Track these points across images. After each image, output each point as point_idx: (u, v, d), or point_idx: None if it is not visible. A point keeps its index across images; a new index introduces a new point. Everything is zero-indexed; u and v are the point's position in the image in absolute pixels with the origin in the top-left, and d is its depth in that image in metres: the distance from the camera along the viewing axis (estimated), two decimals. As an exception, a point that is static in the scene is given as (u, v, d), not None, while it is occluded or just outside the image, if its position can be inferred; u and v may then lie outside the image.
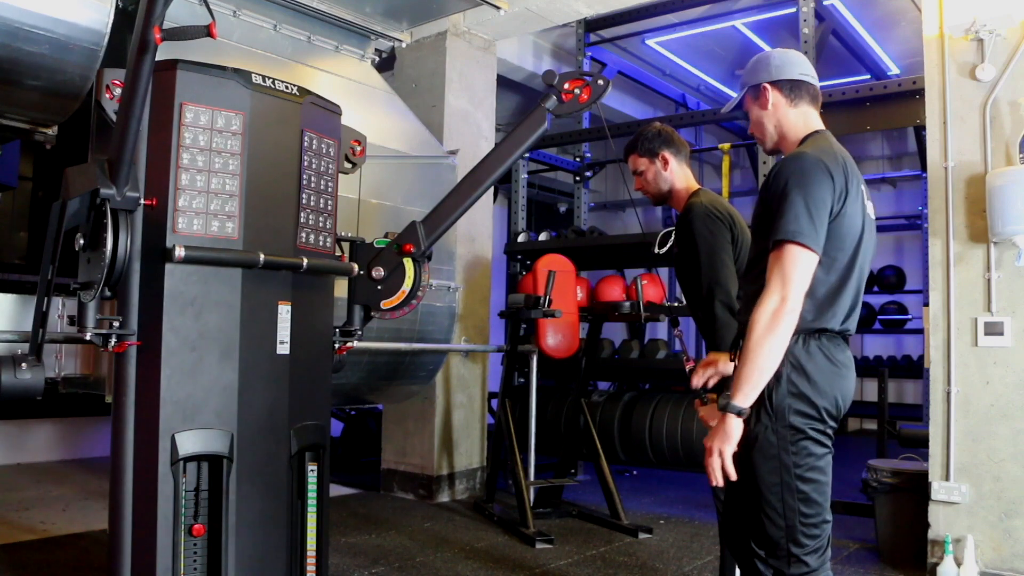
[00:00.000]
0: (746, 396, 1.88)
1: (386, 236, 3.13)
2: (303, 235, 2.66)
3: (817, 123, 2.15)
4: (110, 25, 3.39)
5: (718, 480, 1.93)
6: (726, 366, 2.42)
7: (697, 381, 2.52)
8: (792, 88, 2.14)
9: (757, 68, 2.21)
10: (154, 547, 2.33)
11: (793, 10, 5.16)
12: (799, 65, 2.17)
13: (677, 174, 2.86)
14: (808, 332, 1.95)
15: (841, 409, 2.00)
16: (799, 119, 2.14)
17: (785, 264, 1.86)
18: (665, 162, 2.84)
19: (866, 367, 8.54)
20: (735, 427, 1.89)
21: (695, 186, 2.88)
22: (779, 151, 2.21)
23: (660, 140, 2.85)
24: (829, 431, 1.99)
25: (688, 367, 2.73)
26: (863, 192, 2.05)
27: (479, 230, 5.62)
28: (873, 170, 9.87)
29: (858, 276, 2.02)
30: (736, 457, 1.93)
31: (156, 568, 2.32)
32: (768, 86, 2.15)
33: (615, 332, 8.20)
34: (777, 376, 1.91)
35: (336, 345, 2.97)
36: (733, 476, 1.92)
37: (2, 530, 4.29)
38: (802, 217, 1.87)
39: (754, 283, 2.01)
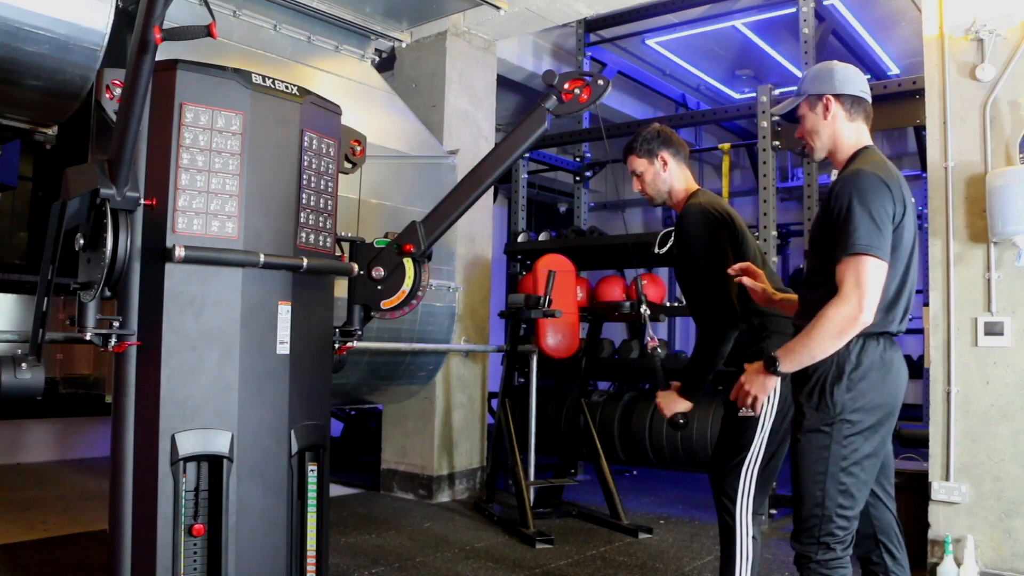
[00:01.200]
0: (792, 367, 2.13)
1: (386, 236, 3.13)
2: (303, 235, 2.66)
3: (867, 139, 2.28)
4: (110, 25, 3.39)
5: (747, 406, 2.26)
6: (680, 404, 2.68)
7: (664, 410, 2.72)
8: (853, 103, 2.27)
9: (821, 78, 2.30)
10: (154, 547, 2.33)
11: (793, 10, 5.16)
12: (860, 82, 2.30)
13: (676, 175, 2.85)
14: (870, 335, 2.10)
15: (897, 407, 2.17)
16: (853, 134, 2.27)
17: (861, 274, 2.01)
18: (664, 163, 2.83)
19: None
20: (773, 383, 2.22)
21: (694, 187, 2.87)
22: (827, 161, 2.34)
23: (659, 141, 2.84)
24: (882, 431, 2.15)
25: (651, 345, 2.92)
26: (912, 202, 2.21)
27: (479, 230, 5.62)
28: (873, 170, 9.84)
29: (911, 281, 2.19)
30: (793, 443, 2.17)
31: (156, 568, 2.32)
32: (832, 98, 2.26)
33: (615, 332, 8.20)
34: (840, 374, 2.09)
35: (336, 345, 2.97)
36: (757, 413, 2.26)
37: (2, 530, 4.29)
38: (872, 230, 2.02)
39: (815, 290, 2.17)
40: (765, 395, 2.22)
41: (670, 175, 2.85)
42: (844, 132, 2.27)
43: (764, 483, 2.64)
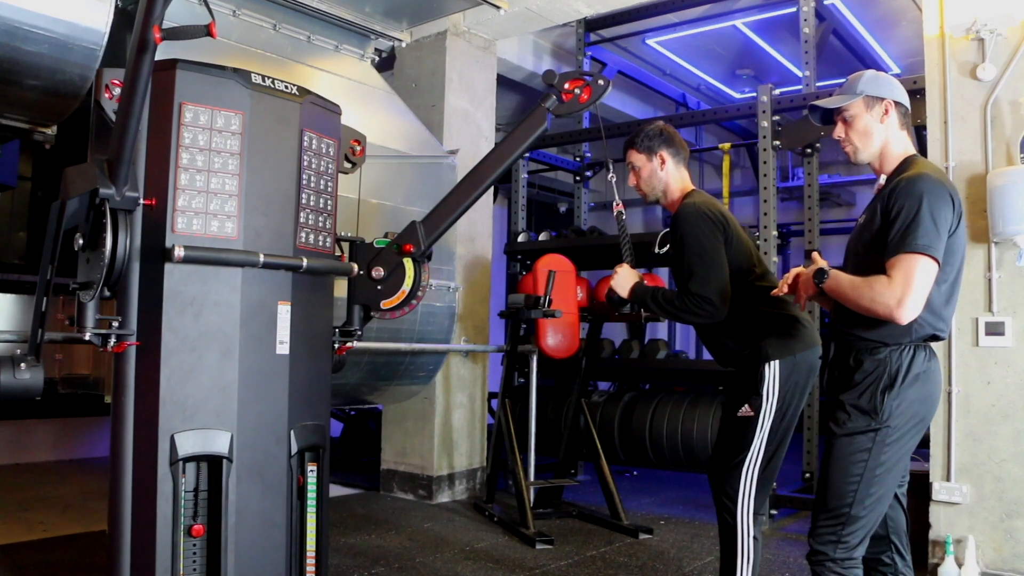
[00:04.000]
0: (830, 288, 2.17)
1: (386, 236, 3.12)
2: (303, 235, 2.66)
3: (912, 148, 2.33)
4: (110, 25, 3.39)
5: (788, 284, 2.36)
6: (629, 283, 2.79)
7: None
8: (904, 115, 2.33)
9: (879, 81, 2.35)
10: (153, 547, 2.32)
11: (793, 10, 5.16)
12: (908, 98, 2.36)
13: (673, 175, 2.85)
14: (919, 340, 2.17)
15: (931, 417, 2.24)
16: (901, 143, 2.32)
17: (914, 272, 2.04)
18: (662, 162, 2.83)
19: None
20: (813, 282, 2.23)
21: (690, 188, 2.87)
22: (869, 163, 2.37)
23: (660, 139, 2.85)
24: (917, 438, 2.19)
25: (616, 209, 3.07)
26: None
27: (479, 230, 5.62)
28: (873, 170, 9.85)
29: (959, 288, 2.25)
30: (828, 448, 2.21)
31: (155, 568, 2.32)
32: (892, 103, 2.31)
33: (615, 332, 8.20)
34: (892, 383, 2.14)
35: (336, 345, 2.97)
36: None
37: (2, 530, 4.29)
38: (932, 232, 2.06)
39: None
40: (810, 284, 2.25)
41: (667, 174, 2.85)
42: (895, 138, 2.31)
43: (764, 483, 2.63)
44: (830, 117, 2.40)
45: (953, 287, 2.21)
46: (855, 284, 2.13)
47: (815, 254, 2.38)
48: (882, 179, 2.36)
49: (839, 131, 2.37)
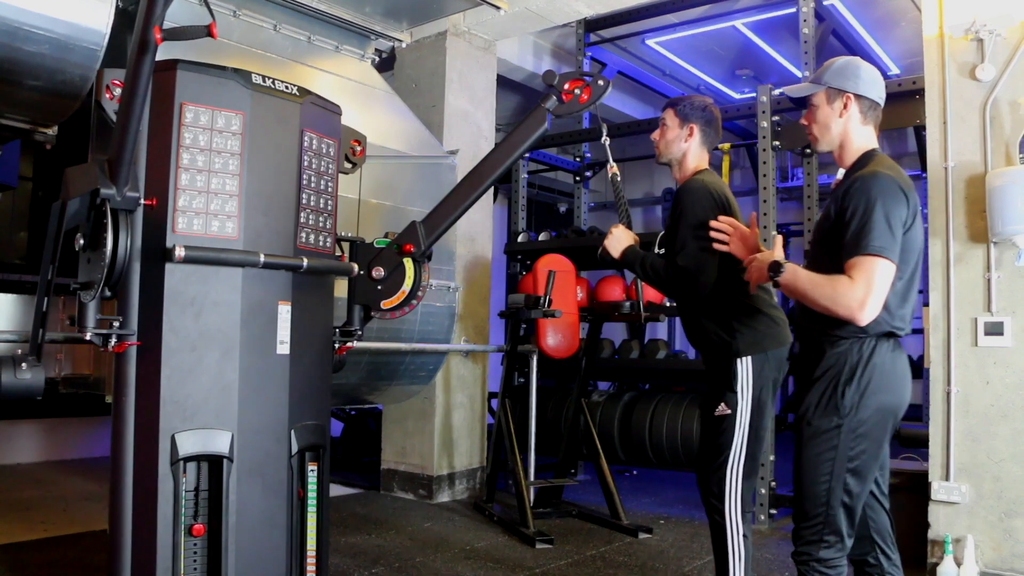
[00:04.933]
0: (786, 281, 2.16)
1: (386, 236, 3.12)
2: (303, 235, 2.66)
3: (875, 142, 2.28)
4: (110, 25, 3.39)
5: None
6: (623, 245, 2.82)
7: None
8: (870, 108, 2.27)
9: (846, 74, 2.27)
10: (154, 547, 2.33)
11: (793, 10, 5.16)
12: (880, 87, 2.29)
13: (694, 151, 2.86)
14: (880, 335, 2.14)
15: (903, 410, 2.20)
16: (862, 137, 2.27)
17: (872, 275, 2.02)
18: (690, 133, 2.84)
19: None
20: (768, 274, 2.22)
21: (705, 167, 2.88)
22: (828, 154, 2.34)
23: (700, 114, 2.85)
24: (887, 432, 2.17)
25: (611, 172, 3.11)
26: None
27: (479, 230, 5.62)
28: (873, 170, 9.84)
29: (917, 283, 2.22)
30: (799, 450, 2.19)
31: (156, 568, 2.32)
32: (852, 97, 2.24)
33: (615, 332, 8.20)
34: (852, 375, 2.11)
35: (336, 345, 2.97)
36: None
37: (2, 530, 4.29)
38: (886, 233, 2.04)
39: None
40: (764, 268, 2.24)
41: (689, 146, 2.85)
42: (854, 133, 2.26)
43: (749, 479, 2.65)
44: (801, 101, 2.37)
45: (909, 284, 2.17)
46: (816, 282, 2.11)
47: (778, 237, 2.35)
48: (840, 173, 2.34)
49: (804, 118, 2.35)
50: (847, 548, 2.15)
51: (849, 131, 2.26)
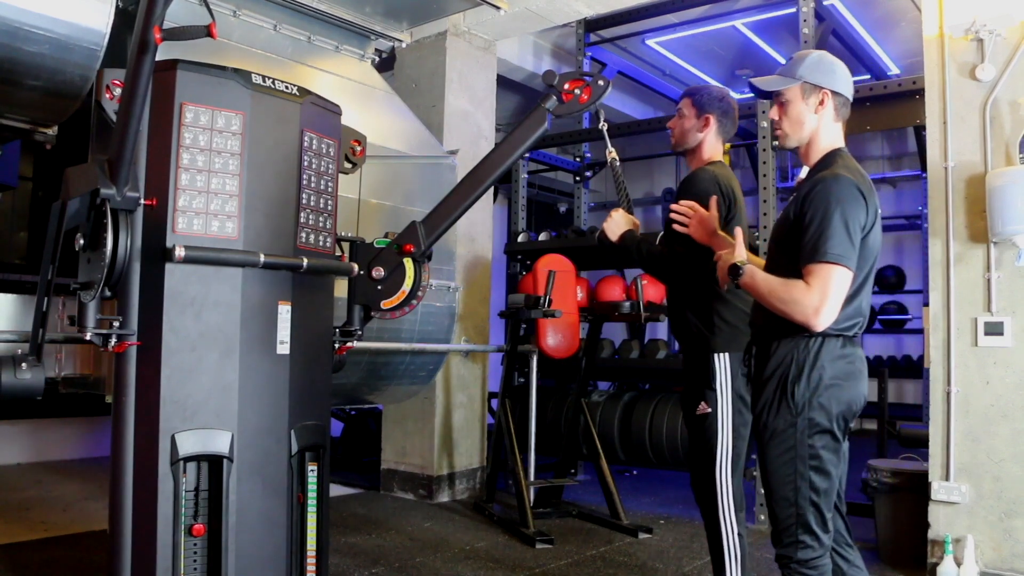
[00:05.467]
0: (745, 283, 2.15)
1: (386, 236, 3.12)
2: (303, 235, 2.66)
3: (840, 141, 2.25)
4: (110, 25, 3.39)
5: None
6: (620, 231, 2.82)
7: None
8: (843, 105, 2.24)
9: (822, 69, 2.23)
10: (154, 547, 2.33)
11: (793, 10, 5.15)
12: (851, 84, 2.27)
13: (709, 141, 2.87)
14: (831, 334, 2.11)
15: (858, 408, 2.16)
16: (832, 134, 2.24)
17: (828, 283, 2.01)
18: (706, 124, 2.85)
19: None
20: (725, 266, 2.21)
21: (718, 158, 2.89)
22: (796, 151, 2.29)
23: (718, 104, 2.86)
24: (843, 428, 2.13)
25: (610, 157, 3.11)
26: None
27: (479, 230, 5.62)
28: (873, 170, 9.85)
29: (871, 283, 2.20)
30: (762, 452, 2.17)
31: (156, 568, 2.32)
32: (829, 93, 2.21)
33: (615, 332, 8.20)
34: (800, 372, 2.10)
35: (336, 345, 2.97)
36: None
37: (2, 530, 4.29)
38: (845, 240, 2.02)
39: None
40: (725, 265, 2.22)
41: (704, 136, 2.87)
42: (825, 130, 2.23)
43: (737, 477, 2.66)
44: (768, 93, 2.31)
45: (861, 287, 2.14)
46: (772, 287, 2.09)
47: (738, 230, 2.30)
48: (803, 172, 2.31)
49: (773, 113, 2.29)
50: (826, 545, 2.12)
51: (821, 129, 2.22)
